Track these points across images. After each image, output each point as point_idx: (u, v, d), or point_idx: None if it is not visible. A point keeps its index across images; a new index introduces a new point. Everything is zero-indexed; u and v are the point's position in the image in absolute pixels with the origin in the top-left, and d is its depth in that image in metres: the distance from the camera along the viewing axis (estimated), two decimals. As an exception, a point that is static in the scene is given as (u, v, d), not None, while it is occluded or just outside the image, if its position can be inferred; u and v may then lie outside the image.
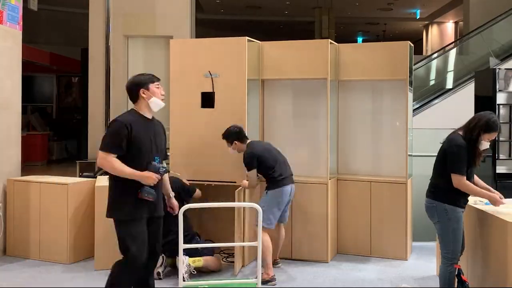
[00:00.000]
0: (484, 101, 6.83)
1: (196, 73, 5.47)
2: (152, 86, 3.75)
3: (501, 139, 6.51)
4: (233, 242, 5.05)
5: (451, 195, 3.94)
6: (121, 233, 3.66)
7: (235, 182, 5.31)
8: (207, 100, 5.44)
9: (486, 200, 4.40)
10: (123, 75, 8.62)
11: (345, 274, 5.22)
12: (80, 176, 7.28)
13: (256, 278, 3.62)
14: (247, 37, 5.40)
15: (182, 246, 3.53)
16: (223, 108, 5.38)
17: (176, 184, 4.91)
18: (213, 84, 5.41)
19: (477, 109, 7.16)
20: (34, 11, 9.13)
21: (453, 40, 17.25)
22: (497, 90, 6.47)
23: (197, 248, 4.89)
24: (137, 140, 3.60)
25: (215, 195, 5.55)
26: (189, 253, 4.93)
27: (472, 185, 3.97)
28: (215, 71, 5.39)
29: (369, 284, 4.93)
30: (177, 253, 4.31)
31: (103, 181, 5.66)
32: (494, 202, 4.00)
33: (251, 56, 5.56)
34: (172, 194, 4.04)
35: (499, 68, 6.65)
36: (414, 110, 7.89)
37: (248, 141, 5.14)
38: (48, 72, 15.32)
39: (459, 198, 3.96)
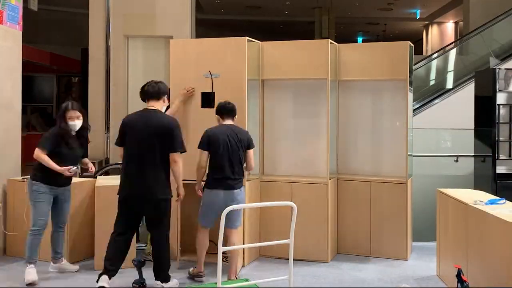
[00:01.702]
0: (484, 101, 6.84)
1: (196, 73, 5.46)
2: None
3: (501, 139, 6.51)
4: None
5: None
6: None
7: None
8: (207, 100, 5.43)
9: (486, 200, 4.41)
10: (123, 75, 8.61)
11: (345, 274, 5.22)
12: (80, 176, 7.27)
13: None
14: (247, 37, 5.40)
15: (221, 249, 3.52)
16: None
17: None
18: (212, 84, 5.41)
19: (477, 109, 7.18)
20: (34, 11, 9.12)
21: (453, 40, 17.26)
22: (497, 90, 6.47)
23: None
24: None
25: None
26: None
27: None
28: (215, 71, 5.39)
29: (369, 284, 4.93)
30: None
31: (103, 181, 5.66)
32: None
33: (251, 56, 5.56)
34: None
35: (499, 68, 6.65)
36: (414, 110, 7.89)
37: (222, 122, 4.91)
38: (48, 72, 15.30)
39: None
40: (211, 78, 5.38)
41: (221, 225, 3.48)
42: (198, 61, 5.47)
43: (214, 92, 5.41)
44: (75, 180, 5.90)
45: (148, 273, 4.99)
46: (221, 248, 3.52)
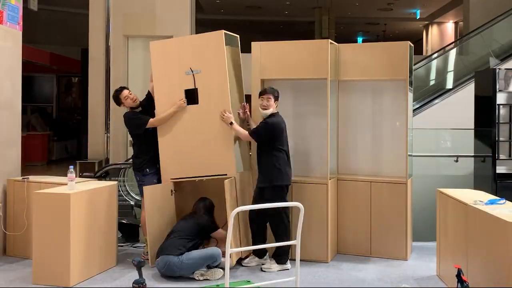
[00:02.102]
0: (484, 101, 6.84)
1: (178, 71, 5.44)
2: None
3: (501, 139, 6.51)
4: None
5: None
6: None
7: (225, 174, 5.29)
8: (191, 97, 5.43)
9: (486, 200, 4.41)
10: (123, 75, 8.63)
11: (345, 274, 5.21)
12: (80, 176, 7.28)
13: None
14: (224, 31, 5.35)
15: (229, 250, 3.53)
16: (208, 103, 5.36)
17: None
18: (194, 80, 5.39)
19: (477, 109, 7.18)
20: (34, 11, 9.14)
21: (453, 40, 17.26)
22: (497, 90, 6.47)
23: None
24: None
25: (207, 190, 5.58)
26: None
27: None
28: (196, 68, 5.37)
29: (369, 284, 4.93)
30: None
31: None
32: None
33: (254, 56, 5.56)
34: None
35: (499, 68, 6.65)
36: (414, 110, 7.89)
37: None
38: (48, 72, 15.33)
39: None
40: (193, 75, 5.37)
41: (229, 226, 3.48)
42: (179, 59, 5.45)
43: (197, 88, 5.40)
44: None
45: (148, 273, 5.00)
46: (229, 250, 3.52)
